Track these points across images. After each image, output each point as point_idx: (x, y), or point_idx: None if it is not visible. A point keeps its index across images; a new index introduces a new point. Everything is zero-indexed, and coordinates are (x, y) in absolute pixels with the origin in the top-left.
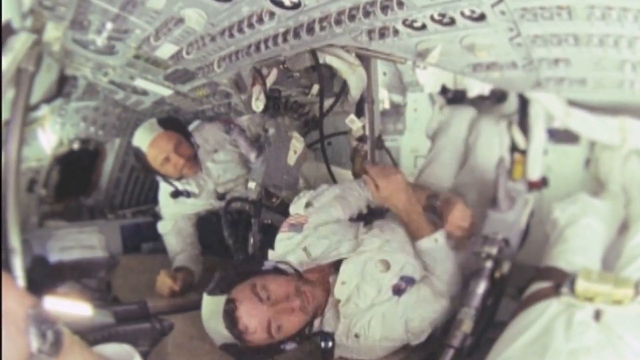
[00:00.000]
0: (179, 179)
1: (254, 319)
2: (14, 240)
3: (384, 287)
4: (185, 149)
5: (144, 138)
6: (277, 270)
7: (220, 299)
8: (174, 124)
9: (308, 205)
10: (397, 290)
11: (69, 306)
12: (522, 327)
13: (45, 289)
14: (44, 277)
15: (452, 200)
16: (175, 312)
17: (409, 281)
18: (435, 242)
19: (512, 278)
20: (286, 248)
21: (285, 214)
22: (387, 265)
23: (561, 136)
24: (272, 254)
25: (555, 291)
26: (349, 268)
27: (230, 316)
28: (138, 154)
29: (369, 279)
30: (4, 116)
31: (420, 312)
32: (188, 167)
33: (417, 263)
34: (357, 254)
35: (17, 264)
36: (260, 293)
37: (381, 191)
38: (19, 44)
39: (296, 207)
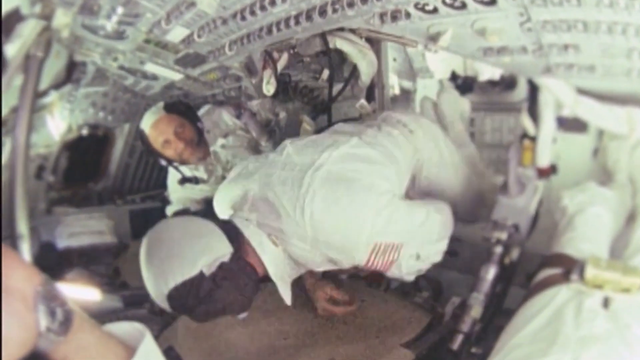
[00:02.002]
0: (183, 163)
1: None
2: (22, 226)
3: None
4: (187, 133)
5: (147, 121)
6: None
7: None
8: (181, 108)
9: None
10: None
11: (78, 291)
12: (531, 313)
13: (53, 276)
14: (52, 263)
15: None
16: None
17: None
18: None
19: (521, 266)
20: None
21: None
22: None
23: (570, 125)
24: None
25: (564, 278)
26: None
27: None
28: (142, 137)
29: None
30: (13, 102)
31: None
32: (189, 152)
33: None
34: None
35: (25, 250)
36: None
37: None
38: (27, 31)
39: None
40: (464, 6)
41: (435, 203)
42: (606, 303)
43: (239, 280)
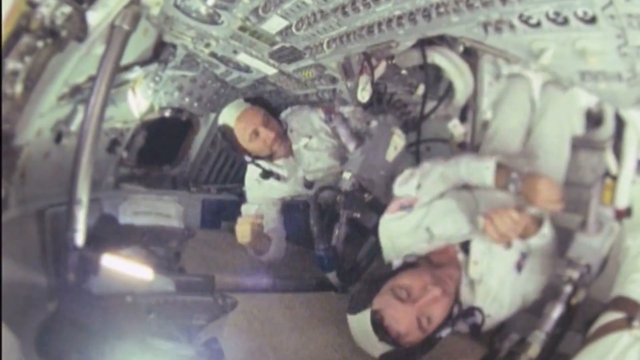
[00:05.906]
0: (270, 157)
1: (403, 322)
2: (82, 192)
3: (509, 265)
4: (274, 125)
5: (231, 114)
6: (407, 266)
7: (365, 314)
8: (261, 102)
9: (419, 187)
10: (519, 267)
11: (130, 267)
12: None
13: (108, 248)
14: (109, 236)
15: (534, 177)
16: (242, 291)
17: (525, 256)
18: (544, 238)
19: (580, 310)
20: (400, 229)
21: (377, 211)
22: (508, 243)
23: None
24: (387, 233)
25: (627, 323)
26: (479, 247)
27: (380, 327)
28: (225, 132)
29: (497, 257)
30: (91, 71)
31: (537, 284)
32: (279, 143)
33: None
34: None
35: (81, 216)
36: (400, 294)
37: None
38: (114, 1)
39: (405, 189)
40: (566, 22)
41: None
42: None
43: None
